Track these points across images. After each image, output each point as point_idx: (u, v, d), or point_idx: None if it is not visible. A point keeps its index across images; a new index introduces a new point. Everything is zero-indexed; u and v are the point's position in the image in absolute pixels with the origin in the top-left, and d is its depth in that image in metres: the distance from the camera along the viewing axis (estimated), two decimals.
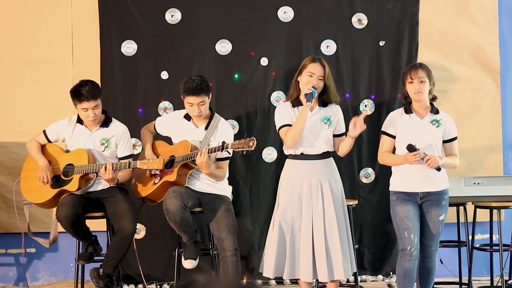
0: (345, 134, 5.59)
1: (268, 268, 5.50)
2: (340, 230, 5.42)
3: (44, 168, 5.69)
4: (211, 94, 5.74)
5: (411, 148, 5.31)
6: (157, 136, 5.97)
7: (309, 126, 5.46)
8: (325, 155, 5.52)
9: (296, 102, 5.53)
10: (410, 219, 5.34)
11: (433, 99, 5.48)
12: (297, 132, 5.41)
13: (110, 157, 5.76)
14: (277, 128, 5.56)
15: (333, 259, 5.39)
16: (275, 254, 5.43)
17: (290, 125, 5.47)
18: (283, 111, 5.54)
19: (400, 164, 5.41)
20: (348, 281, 6.31)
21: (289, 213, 5.45)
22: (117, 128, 5.82)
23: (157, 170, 5.60)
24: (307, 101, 5.38)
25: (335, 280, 5.46)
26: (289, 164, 5.57)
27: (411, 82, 5.40)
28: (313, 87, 5.42)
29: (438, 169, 5.32)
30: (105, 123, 5.79)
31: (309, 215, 5.41)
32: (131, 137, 5.93)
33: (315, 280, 5.69)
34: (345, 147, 5.54)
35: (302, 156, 5.49)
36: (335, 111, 5.59)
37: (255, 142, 5.37)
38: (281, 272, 5.46)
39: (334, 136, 5.58)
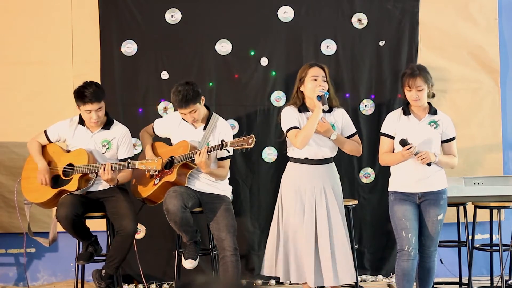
0: (354, 134, 5.63)
1: (268, 269, 5.53)
2: (345, 234, 5.44)
3: (42, 171, 5.68)
4: (202, 97, 5.68)
5: (404, 143, 5.32)
6: (156, 138, 5.97)
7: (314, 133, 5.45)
8: (327, 160, 5.54)
9: (303, 108, 5.52)
10: (408, 219, 5.33)
11: (432, 96, 5.47)
12: (308, 134, 5.39)
13: (111, 158, 5.75)
14: (284, 130, 5.54)
15: (338, 263, 5.40)
16: (278, 256, 5.45)
17: (298, 128, 5.45)
18: (291, 114, 5.52)
19: (399, 161, 5.41)
20: None
21: (292, 218, 5.45)
22: (119, 130, 5.82)
23: (156, 170, 5.59)
24: (323, 104, 5.37)
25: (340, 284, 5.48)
26: (292, 167, 5.56)
27: (409, 91, 5.40)
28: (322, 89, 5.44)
29: (429, 164, 5.32)
30: (107, 125, 5.78)
31: (312, 221, 5.40)
32: (131, 137, 5.93)
33: None
34: (346, 148, 5.58)
35: (306, 161, 5.50)
36: (338, 116, 5.59)
37: (254, 140, 5.36)
38: (286, 276, 5.47)
39: None
